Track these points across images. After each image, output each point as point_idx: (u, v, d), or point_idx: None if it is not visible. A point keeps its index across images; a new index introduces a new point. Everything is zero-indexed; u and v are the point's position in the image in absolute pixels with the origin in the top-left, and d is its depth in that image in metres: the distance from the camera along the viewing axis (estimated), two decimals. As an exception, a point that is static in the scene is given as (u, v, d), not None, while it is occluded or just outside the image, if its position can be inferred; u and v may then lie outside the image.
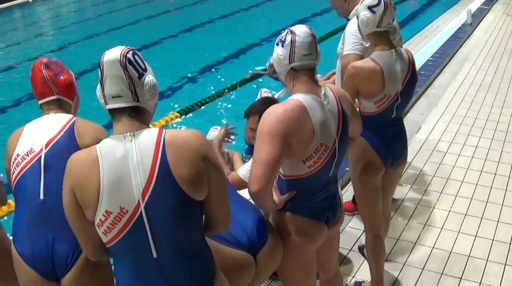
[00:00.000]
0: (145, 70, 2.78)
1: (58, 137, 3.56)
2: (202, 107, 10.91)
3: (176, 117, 10.24)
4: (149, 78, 2.76)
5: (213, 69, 13.74)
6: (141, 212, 2.66)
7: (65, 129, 3.60)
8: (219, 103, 11.21)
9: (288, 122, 3.22)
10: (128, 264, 2.84)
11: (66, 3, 29.51)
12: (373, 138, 4.52)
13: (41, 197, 3.47)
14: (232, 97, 11.52)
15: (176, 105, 10.91)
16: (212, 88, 12.07)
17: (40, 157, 3.51)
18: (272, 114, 3.27)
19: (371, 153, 4.55)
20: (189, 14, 21.95)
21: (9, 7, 27.77)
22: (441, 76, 11.26)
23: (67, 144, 3.41)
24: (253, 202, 3.53)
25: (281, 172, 3.50)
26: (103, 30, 19.06)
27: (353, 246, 5.95)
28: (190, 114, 10.58)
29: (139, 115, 2.76)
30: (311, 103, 3.34)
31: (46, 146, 3.53)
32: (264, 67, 11.95)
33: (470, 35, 14.36)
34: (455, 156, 7.92)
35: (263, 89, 7.88)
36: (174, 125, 9.97)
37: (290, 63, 3.42)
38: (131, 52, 2.75)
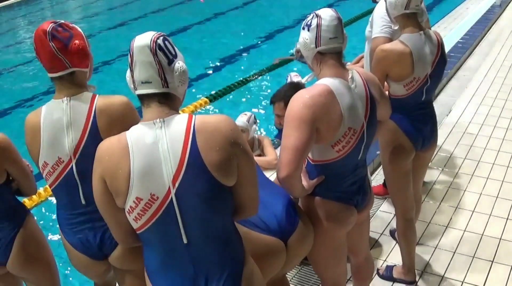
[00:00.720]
0: (175, 56, 2.77)
1: (84, 141, 3.39)
2: (231, 93, 10.92)
3: (206, 103, 10.25)
4: (179, 64, 2.75)
5: (242, 55, 13.75)
6: (171, 198, 2.67)
7: (88, 128, 3.38)
8: (247, 89, 11.22)
9: (316, 107, 3.20)
10: (158, 250, 2.85)
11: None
12: (403, 121, 4.49)
13: (83, 202, 3.52)
14: (260, 83, 11.52)
15: (205, 91, 10.93)
16: (240, 74, 12.06)
17: (72, 168, 3.44)
18: (299, 100, 3.26)
19: (401, 136, 4.52)
20: (210, 3, 21.80)
21: (14, 3, 27.63)
22: (471, 58, 11.13)
23: (95, 146, 3.09)
24: None
25: (310, 157, 3.51)
26: (112, 25, 18.96)
27: (384, 230, 5.93)
28: (219, 100, 10.60)
29: (168, 101, 2.76)
30: (339, 87, 3.32)
31: (75, 154, 3.41)
32: (291, 53, 12.02)
33: (499, 17, 14.17)
34: (486, 138, 7.85)
35: (293, 73, 7.88)
36: (203, 111, 10.00)
37: (316, 47, 3.40)
38: (161, 38, 2.74)
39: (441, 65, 4.50)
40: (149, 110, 2.75)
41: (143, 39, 2.71)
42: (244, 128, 6.86)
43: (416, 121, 4.53)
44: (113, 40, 15.83)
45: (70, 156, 3.40)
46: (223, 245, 2.85)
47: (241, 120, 6.82)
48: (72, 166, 3.42)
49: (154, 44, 2.69)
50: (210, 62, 13.11)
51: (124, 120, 3.25)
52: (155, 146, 2.66)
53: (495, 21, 13.67)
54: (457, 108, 8.86)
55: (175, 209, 2.69)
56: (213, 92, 10.75)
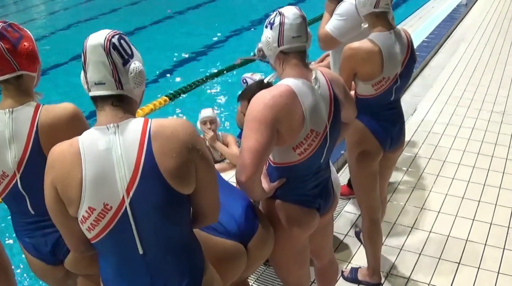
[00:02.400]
0: (131, 56, 2.63)
1: (27, 156, 3.20)
2: (191, 91, 10.82)
3: (165, 101, 10.14)
4: (135, 64, 2.61)
5: (203, 53, 13.65)
6: (126, 208, 2.54)
7: (31, 143, 3.19)
8: (208, 87, 11.13)
9: (277, 108, 3.10)
10: (113, 261, 2.73)
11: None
12: (371, 122, 4.41)
13: (32, 212, 3.38)
14: (221, 81, 11.44)
15: (165, 89, 10.84)
16: (201, 72, 11.98)
17: (16, 182, 3.27)
18: (260, 100, 3.15)
19: (369, 137, 4.43)
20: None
21: None
22: (436, 57, 11.16)
23: (38, 162, 3.05)
24: None
25: (270, 159, 3.41)
26: (93, 15, 18.93)
27: (348, 231, 5.87)
28: (179, 98, 10.52)
29: (123, 104, 2.62)
30: (301, 88, 3.22)
31: (18, 169, 3.23)
32: (253, 53, 11.97)
33: (465, 16, 14.25)
34: (452, 138, 7.84)
35: (247, 75, 7.88)
36: (163, 109, 9.90)
37: (279, 46, 3.29)
38: (116, 36, 2.60)
39: (410, 65, 4.43)
40: (102, 113, 2.61)
41: (97, 38, 2.57)
42: (213, 118, 6.82)
43: (384, 121, 4.44)
44: (76, 37, 15.71)
45: (14, 171, 3.24)
46: (181, 254, 2.74)
47: (207, 111, 6.75)
48: (16, 180, 3.27)
49: (108, 43, 2.55)
50: (171, 58, 13.02)
51: (69, 132, 2.94)
52: (108, 153, 2.53)
53: (461, 20, 13.76)
54: (422, 107, 8.84)
55: (130, 219, 2.56)
56: (173, 91, 10.66)
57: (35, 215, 3.37)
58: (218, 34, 14.86)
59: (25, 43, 3.22)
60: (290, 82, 3.22)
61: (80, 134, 2.65)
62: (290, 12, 3.28)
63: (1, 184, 3.30)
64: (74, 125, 3.18)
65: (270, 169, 3.45)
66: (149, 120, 2.61)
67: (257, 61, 11.52)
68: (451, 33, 12.71)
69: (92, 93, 2.62)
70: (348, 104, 3.66)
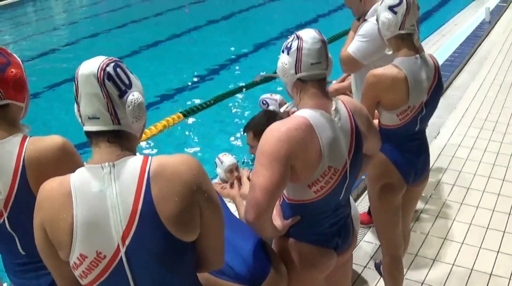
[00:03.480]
0: (129, 86, 2.36)
1: (14, 194, 2.90)
2: (208, 109, 10.56)
3: (179, 118, 9.82)
4: (133, 96, 2.34)
5: (221, 70, 13.50)
6: (121, 258, 2.29)
7: (17, 180, 2.89)
8: (226, 105, 10.90)
9: (291, 143, 2.87)
10: None
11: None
12: (394, 153, 4.15)
13: (23, 253, 3.06)
14: (240, 99, 11.22)
15: (180, 105, 10.57)
16: (219, 89, 11.76)
17: (4, 222, 2.97)
18: (273, 133, 2.92)
19: (391, 170, 4.18)
20: (199, 11, 21.87)
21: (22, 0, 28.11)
22: (460, 77, 10.88)
23: (26, 199, 2.82)
24: None
25: (285, 194, 3.17)
26: (114, 26, 18.98)
27: (368, 262, 5.61)
28: (194, 115, 10.24)
29: (121, 140, 2.36)
30: (319, 120, 2.97)
31: (5, 208, 2.93)
32: (274, 70, 11.77)
33: (488, 34, 13.97)
34: (476, 163, 7.56)
35: (265, 96, 7.64)
36: (178, 127, 9.64)
37: (296, 73, 3.06)
38: (112, 64, 2.34)
39: (437, 92, 4.19)
40: (97, 150, 2.35)
41: (89, 67, 2.31)
42: (236, 165, 6.51)
43: (407, 152, 4.19)
44: (95, 49, 15.64)
45: (1, 210, 2.95)
46: None
47: (230, 158, 6.44)
48: (4, 220, 2.97)
49: (102, 73, 2.29)
50: (187, 75, 12.77)
51: (58, 166, 2.76)
52: (102, 196, 2.27)
53: (484, 38, 13.47)
54: (446, 130, 8.57)
55: (126, 269, 2.31)
56: (188, 108, 10.36)
57: (26, 256, 3.08)
58: (237, 50, 14.70)
59: (13, 70, 2.95)
60: (307, 114, 2.98)
61: (70, 168, 2.42)
62: (309, 36, 3.04)
63: None
64: (64, 159, 2.91)
65: (284, 205, 3.21)
66: (149, 158, 2.35)
67: (278, 79, 11.34)
68: (474, 52, 12.44)
69: (86, 128, 2.37)
70: (371, 135, 3.40)
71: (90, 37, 17.45)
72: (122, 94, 2.32)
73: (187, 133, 9.50)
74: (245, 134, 5.12)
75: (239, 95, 11.33)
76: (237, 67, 13.51)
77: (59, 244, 2.32)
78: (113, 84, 2.30)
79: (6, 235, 3.01)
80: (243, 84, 11.71)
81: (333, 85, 6.09)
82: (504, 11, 16.09)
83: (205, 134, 9.55)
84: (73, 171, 2.41)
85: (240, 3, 21.62)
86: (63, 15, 24.71)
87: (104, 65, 2.30)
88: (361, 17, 5.28)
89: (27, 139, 2.94)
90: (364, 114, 3.35)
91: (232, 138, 9.44)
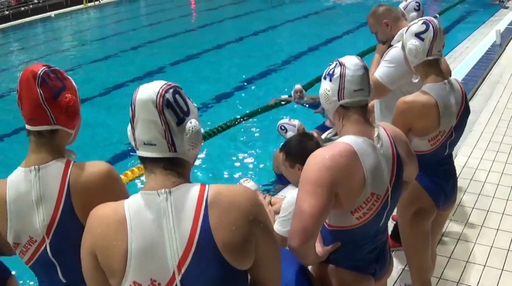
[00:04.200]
0: (186, 113, 2.36)
1: (57, 219, 2.87)
2: (223, 133, 10.68)
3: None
4: (191, 123, 2.34)
5: (235, 93, 13.52)
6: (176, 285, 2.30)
7: (61, 205, 2.87)
8: (241, 129, 10.96)
9: (336, 169, 2.90)
10: None
11: (88, 18, 29.91)
12: (424, 179, 4.17)
13: (64, 281, 3.02)
14: (254, 123, 11.27)
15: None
16: (234, 112, 11.82)
17: (45, 248, 2.93)
18: (317, 160, 2.95)
19: (423, 195, 4.22)
20: (213, 33, 21.94)
21: (31, 21, 28.28)
22: (473, 100, 10.89)
23: (70, 226, 2.84)
24: None
25: (326, 221, 3.18)
26: (124, 48, 19.07)
27: (392, 286, 5.62)
28: (209, 139, 10.30)
29: (176, 168, 2.36)
30: (363, 147, 3.01)
31: (48, 234, 2.89)
32: (289, 94, 11.85)
33: (500, 56, 14.02)
34: (494, 186, 7.58)
35: (284, 121, 7.73)
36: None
37: (339, 100, 3.10)
38: (171, 90, 2.32)
39: (465, 116, 4.25)
40: (152, 177, 2.35)
41: (148, 92, 2.30)
42: (258, 191, 6.58)
43: (437, 177, 4.25)
44: (104, 71, 15.77)
45: (43, 236, 2.90)
46: None
47: (250, 184, 6.51)
48: (46, 246, 2.93)
49: (161, 100, 2.28)
50: (202, 98, 12.80)
51: (103, 193, 2.75)
52: (158, 223, 2.27)
53: (495, 61, 13.51)
54: (463, 154, 8.58)
55: None
56: (203, 131, 10.36)
57: (67, 284, 3.04)
58: (252, 74, 14.75)
59: (67, 95, 2.91)
60: (351, 140, 3.02)
61: (115, 195, 2.46)
62: (351, 63, 3.09)
63: (28, 251, 2.97)
64: (110, 186, 2.90)
65: (324, 231, 3.23)
66: (206, 186, 2.35)
67: (292, 103, 11.40)
68: (487, 75, 12.49)
69: (140, 153, 2.37)
70: (410, 162, 3.43)
71: (98, 60, 17.55)
72: (180, 121, 2.32)
73: (200, 158, 9.57)
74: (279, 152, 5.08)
75: (253, 119, 11.40)
76: (250, 92, 13.57)
77: (111, 271, 2.31)
78: (172, 112, 2.30)
79: (47, 263, 2.97)
80: (257, 108, 11.77)
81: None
82: (514, 34, 16.17)
83: (218, 159, 9.61)
84: (118, 198, 2.42)
85: (247, 27, 21.73)
86: (70, 37, 24.83)
87: (163, 92, 2.30)
88: (386, 42, 5.36)
89: (71, 164, 2.92)
90: (404, 141, 3.38)
91: (247, 162, 9.51)
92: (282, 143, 5.07)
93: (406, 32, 4.11)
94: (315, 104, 11.09)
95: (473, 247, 6.24)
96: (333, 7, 28.26)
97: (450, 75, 5.39)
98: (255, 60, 16.48)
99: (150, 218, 2.28)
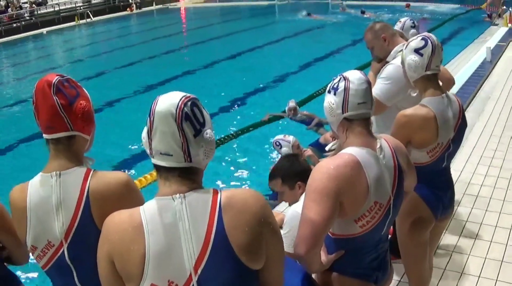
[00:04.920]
0: (203, 125, 2.44)
1: (76, 224, 2.95)
2: (218, 147, 10.67)
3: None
4: (207, 135, 2.43)
5: (230, 108, 13.61)
6: None
7: (80, 211, 2.94)
8: (235, 144, 11.04)
9: (341, 179, 3.00)
10: None
11: (80, 36, 29.98)
12: (423, 190, 4.27)
13: (79, 285, 3.08)
14: (248, 138, 11.35)
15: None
16: (228, 128, 11.91)
17: (63, 252, 2.99)
18: (323, 170, 3.05)
19: (421, 206, 4.33)
20: (205, 51, 22.02)
21: (23, 38, 28.30)
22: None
23: (88, 231, 2.91)
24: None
25: (329, 230, 3.27)
26: (115, 65, 19.14)
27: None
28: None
29: (190, 175, 2.44)
30: (366, 158, 3.12)
31: (66, 238, 2.97)
32: (284, 109, 11.96)
33: (490, 73, 14.20)
34: (486, 199, 7.69)
35: (279, 137, 7.89)
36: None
37: (343, 113, 3.20)
38: (189, 103, 2.41)
39: (462, 129, 4.37)
40: (166, 183, 2.43)
41: (167, 105, 2.38)
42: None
43: (436, 188, 4.35)
44: (97, 88, 15.88)
45: (61, 240, 2.98)
46: None
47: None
48: (63, 250, 3.00)
49: (181, 113, 2.36)
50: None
51: (122, 203, 2.77)
52: (174, 226, 2.36)
53: (486, 78, 13.67)
54: (455, 169, 8.63)
55: None
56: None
57: None
58: (245, 90, 14.85)
59: (82, 102, 3.01)
60: (355, 151, 3.12)
61: (132, 204, 2.51)
62: (355, 77, 3.20)
63: (45, 255, 3.04)
64: (128, 195, 2.98)
65: (327, 240, 3.30)
66: (219, 191, 2.45)
67: (286, 119, 11.50)
68: (477, 91, 12.66)
69: (155, 162, 2.45)
70: (410, 173, 3.55)
71: (90, 77, 17.61)
72: (197, 133, 2.40)
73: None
74: (271, 182, 5.00)
75: (248, 134, 11.49)
76: (244, 108, 13.66)
77: (128, 276, 2.38)
78: (190, 124, 2.38)
79: (63, 267, 3.03)
80: (250, 124, 11.87)
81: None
82: (504, 51, 16.33)
83: (212, 173, 9.68)
84: (135, 207, 2.49)
85: (241, 45, 21.83)
86: (62, 54, 24.85)
87: (183, 105, 2.37)
88: (382, 59, 5.47)
89: (91, 172, 3.01)
90: (404, 152, 3.50)
91: (243, 178, 9.59)
92: (270, 173, 5.03)
93: (405, 47, 4.25)
94: (308, 121, 11.25)
95: (468, 258, 6.33)
96: (323, 25, 28.49)
97: (454, 83, 5.52)
98: (247, 77, 16.58)
99: (166, 222, 2.36)
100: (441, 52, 4.24)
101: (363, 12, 34.06)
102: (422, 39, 4.16)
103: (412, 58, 4.15)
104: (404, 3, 36.77)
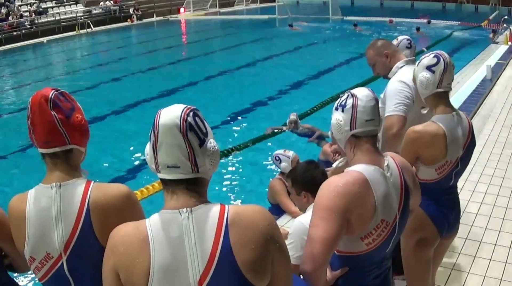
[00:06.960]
0: (206, 134, 2.47)
1: (76, 236, 2.92)
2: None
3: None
4: (211, 143, 2.47)
5: (231, 122, 13.62)
6: None
7: (81, 222, 2.92)
8: (236, 157, 11.04)
9: (349, 197, 3.01)
10: None
11: (80, 45, 30.02)
12: (430, 207, 4.30)
13: None
14: (249, 152, 11.35)
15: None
16: (229, 141, 11.91)
17: (62, 265, 2.97)
18: (331, 187, 3.05)
19: (427, 223, 4.33)
20: (205, 63, 22.05)
21: (23, 46, 28.33)
22: (465, 134, 11.01)
23: (88, 243, 2.90)
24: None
25: None
26: (114, 76, 19.15)
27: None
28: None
29: (197, 187, 2.46)
30: (374, 176, 3.12)
31: (65, 250, 2.94)
32: (284, 123, 11.98)
33: (490, 91, 14.24)
34: (486, 217, 7.70)
35: (279, 152, 7.96)
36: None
37: (351, 130, 3.21)
38: (191, 113, 2.44)
39: (471, 148, 4.41)
40: (173, 197, 2.45)
41: (171, 117, 2.41)
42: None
43: (442, 206, 4.38)
44: (96, 98, 15.86)
45: (60, 252, 2.95)
46: None
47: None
48: (62, 262, 2.97)
49: (185, 124, 2.39)
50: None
51: (123, 215, 2.80)
52: (180, 241, 2.37)
53: (486, 96, 13.70)
54: (455, 186, 8.70)
55: None
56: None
57: None
58: (246, 102, 14.85)
59: (78, 115, 3.03)
60: (363, 169, 3.13)
61: (133, 217, 2.55)
62: (363, 94, 3.21)
63: (43, 267, 3.01)
64: (129, 208, 2.97)
65: (332, 257, 3.26)
66: (226, 206, 2.46)
67: (287, 132, 11.50)
68: (477, 109, 12.70)
69: (162, 176, 2.47)
70: (415, 191, 3.55)
71: (89, 88, 17.63)
72: (202, 143, 2.43)
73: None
74: (287, 179, 5.26)
75: (249, 149, 11.49)
76: (245, 121, 13.66)
77: None
78: (194, 134, 2.41)
79: (62, 279, 3.01)
80: (252, 138, 11.89)
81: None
82: (504, 69, 16.38)
83: (212, 187, 9.66)
84: (135, 219, 2.51)
85: (241, 58, 21.87)
86: (62, 64, 24.86)
87: (186, 116, 2.41)
88: (384, 76, 5.49)
89: (92, 184, 3.00)
90: (410, 170, 3.51)
91: (243, 191, 9.59)
92: (290, 170, 5.20)
93: (417, 65, 4.29)
94: (309, 133, 11.25)
95: (467, 276, 6.33)
96: (324, 41, 28.56)
97: None
98: (248, 90, 16.61)
99: (172, 236, 2.37)
100: (453, 70, 4.29)
101: (355, 25, 34.18)
102: (435, 56, 4.20)
103: (424, 75, 4.19)
104: (418, 23, 36.24)
